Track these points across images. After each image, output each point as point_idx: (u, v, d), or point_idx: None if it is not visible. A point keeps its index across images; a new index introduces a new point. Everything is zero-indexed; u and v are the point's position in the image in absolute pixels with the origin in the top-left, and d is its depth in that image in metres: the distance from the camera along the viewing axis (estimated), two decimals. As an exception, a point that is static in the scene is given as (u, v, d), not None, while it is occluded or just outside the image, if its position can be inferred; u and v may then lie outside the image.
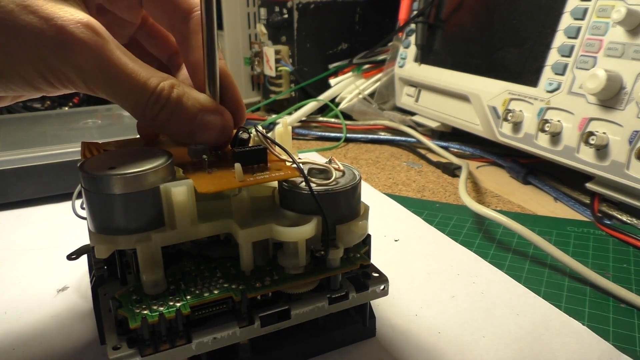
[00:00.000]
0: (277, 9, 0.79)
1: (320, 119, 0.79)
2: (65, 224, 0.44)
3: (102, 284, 0.26)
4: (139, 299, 0.24)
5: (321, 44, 0.81)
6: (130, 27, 0.30)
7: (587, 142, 0.44)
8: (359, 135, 0.72)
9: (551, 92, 0.49)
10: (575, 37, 0.47)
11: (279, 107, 0.83)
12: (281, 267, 0.25)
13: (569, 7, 0.49)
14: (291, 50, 0.80)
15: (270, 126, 0.75)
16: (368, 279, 0.27)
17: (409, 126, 0.70)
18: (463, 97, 0.61)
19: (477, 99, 0.58)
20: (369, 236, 0.28)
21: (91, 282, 0.28)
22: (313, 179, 0.25)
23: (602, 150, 0.43)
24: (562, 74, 0.48)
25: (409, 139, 0.68)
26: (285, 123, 0.30)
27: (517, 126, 0.52)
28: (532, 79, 0.52)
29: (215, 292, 0.24)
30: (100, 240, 0.23)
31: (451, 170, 0.58)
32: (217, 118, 0.25)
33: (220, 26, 0.86)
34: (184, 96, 0.24)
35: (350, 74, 0.80)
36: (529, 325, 0.31)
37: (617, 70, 0.42)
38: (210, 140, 0.25)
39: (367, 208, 0.27)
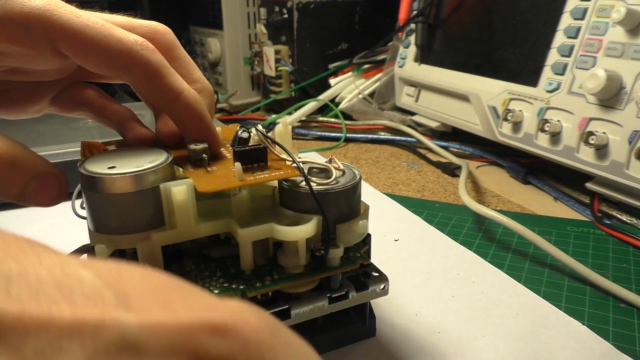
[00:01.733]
0: (277, 8, 0.79)
1: (320, 118, 0.79)
2: (65, 224, 0.44)
3: (102, 283, 0.26)
4: (139, 298, 0.23)
5: (321, 44, 0.81)
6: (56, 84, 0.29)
7: (587, 142, 0.44)
8: (359, 135, 0.72)
9: (551, 92, 0.49)
10: (575, 37, 0.47)
11: (279, 107, 0.83)
12: (281, 266, 0.25)
13: (568, 7, 0.49)
14: (291, 50, 0.80)
15: (270, 126, 0.75)
16: (368, 278, 0.27)
17: (409, 126, 0.70)
18: (463, 97, 0.61)
19: (477, 98, 0.58)
20: (369, 235, 0.28)
21: (91, 281, 0.27)
22: (313, 178, 0.25)
23: (601, 150, 0.43)
24: (562, 73, 0.48)
25: (409, 138, 0.68)
26: (285, 123, 0.30)
27: (517, 126, 0.53)
28: (532, 79, 0.52)
29: (216, 291, 0.24)
30: (100, 240, 0.23)
31: (451, 170, 0.58)
32: (55, 181, 0.24)
33: (220, 26, 0.86)
34: (17, 151, 0.23)
35: (350, 73, 0.80)
36: (529, 325, 0.31)
37: (616, 70, 0.42)
38: (42, 202, 0.24)
39: (367, 207, 0.27)
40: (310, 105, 0.77)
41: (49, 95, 0.29)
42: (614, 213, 0.45)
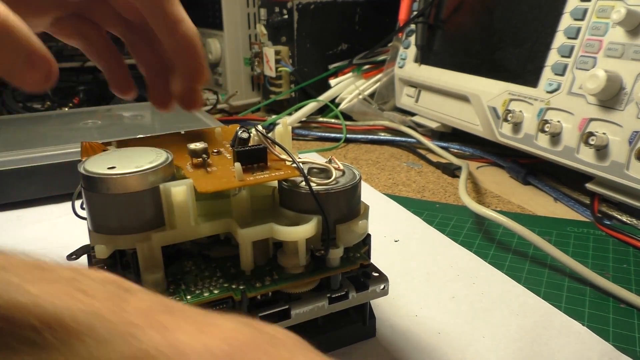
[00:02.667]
0: (277, 9, 0.79)
1: (320, 119, 0.79)
2: (65, 224, 0.44)
3: (102, 283, 0.26)
4: (139, 298, 0.23)
5: (321, 45, 0.81)
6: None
7: (587, 143, 0.44)
8: (359, 136, 0.72)
9: (551, 92, 0.49)
10: (575, 38, 0.47)
11: (279, 107, 0.83)
12: (281, 266, 0.25)
13: (568, 7, 0.49)
14: (291, 50, 0.80)
15: (270, 127, 0.75)
16: (368, 278, 0.27)
17: (409, 127, 0.70)
18: (463, 98, 0.61)
19: (477, 99, 0.58)
20: (369, 236, 0.28)
21: (91, 281, 0.27)
22: (313, 179, 0.25)
23: (602, 151, 0.43)
24: (562, 74, 0.48)
25: (409, 139, 0.68)
26: (285, 123, 0.30)
27: (517, 126, 0.53)
28: (532, 80, 0.52)
29: (216, 291, 0.24)
30: (101, 240, 0.23)
31: (451, 171, 0.58)
32: (46, 63, 0.23)
33: (220, 26, 0.86)
34: (17, 24, 0.22)
35: (350, 74, 0.80)
36: (529, 326, 0.31)
37: (616, 71, 0.42)
38: (29, 82, 0.22)
39: (367, 207, 0.27)
40: (311, 106, 0.77)
41: (52, 15, 0.29)
42: (614, 213, 0.45)
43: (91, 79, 0.86)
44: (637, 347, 0.29)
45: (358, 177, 0.26)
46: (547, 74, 0.50)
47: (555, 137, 0.48)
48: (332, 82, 0.80)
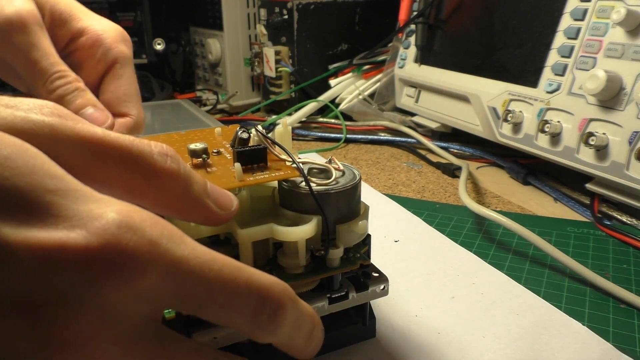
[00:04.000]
0: (277, 9, 0.79)
1: (320, 119, 0.79)
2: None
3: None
4: (139, 298, 0.23)
5: (321, 45, 0.81)
6: None
7: (587, 143, 0.44)
8: (359, 136, 0.72)
9: (551, 92, 0.49)
10: (575, 38, 0.47)
11: (279, 107, 0.83)
12: (281, 267, 0.25)
13: (568, 7, 0.49)
14: (291, 51, 0.80)
15: (270, 127, 0.75)
16: (368, 278, 0.27)
17: (409, 127, 0.70)
18: (463, 98, 0.61)
19: (477, 99, 0.58)
20: (369, 236, 0.28)
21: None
22: (313, 179, 0.25)
23: (602, 151, 0.43)
24: (562, 74, 0.48)
25: (409, 139, 0.68)
26: (285, 123, 0.30)
27: (517, 127, 0.53)
28: (532, 80, 0.52)
29: (215, 292, 0.24)
30: (100, 240, 0.23)
31: (451, 171, 0.58)
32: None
33: (220, 27, 0.86)
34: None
35: (350, 74, 0.80)
36: (529, 325, 0.31)
37: (616, 71, 0.42)
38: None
39: (367, 208, 0.27)
40: (311, 106, 0.77)
41: None
42: (614, 214, 0.45)
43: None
44: (637, 347, 0.29)
45: (358, 178, 0.26)
46: (547, 74, 0.50)
47: (555, 137, 0.48)
48: (332, 82, 0.80)
